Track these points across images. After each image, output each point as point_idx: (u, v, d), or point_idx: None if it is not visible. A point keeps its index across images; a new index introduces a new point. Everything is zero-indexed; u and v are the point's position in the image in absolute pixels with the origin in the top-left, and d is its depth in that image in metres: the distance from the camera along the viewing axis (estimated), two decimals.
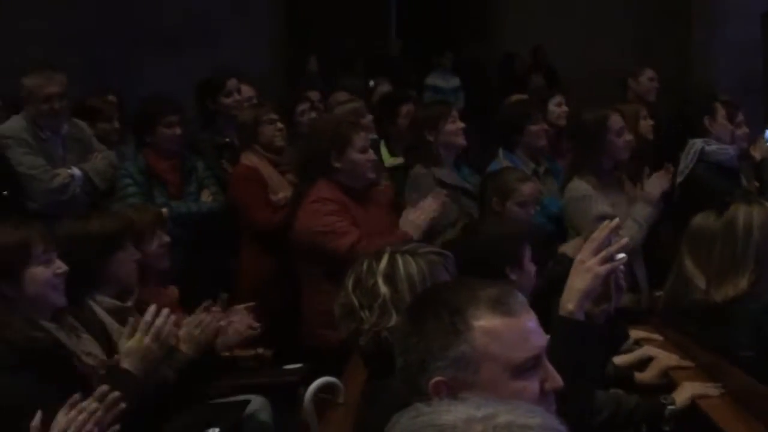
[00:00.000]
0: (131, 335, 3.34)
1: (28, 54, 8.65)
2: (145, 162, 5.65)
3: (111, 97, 6.97)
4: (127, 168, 5.68)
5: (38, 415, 2.73)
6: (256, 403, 4.29)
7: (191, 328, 3.80)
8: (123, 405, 2.85)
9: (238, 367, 4.45)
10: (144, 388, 3.28)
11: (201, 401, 4.10)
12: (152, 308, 3.38)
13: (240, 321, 4.22)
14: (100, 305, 3.79)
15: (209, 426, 3.86)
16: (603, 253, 2.60)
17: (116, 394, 2.84)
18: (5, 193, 5.01)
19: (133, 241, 4.00)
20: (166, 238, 4.40)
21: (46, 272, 3.36)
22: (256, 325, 4.27)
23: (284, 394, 4.39)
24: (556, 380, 1.97)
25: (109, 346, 3.57)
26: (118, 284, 3.89)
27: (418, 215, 4.92)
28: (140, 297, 3.97)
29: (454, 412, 1.36)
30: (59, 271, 3.39)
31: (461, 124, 5.68)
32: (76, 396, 2.79)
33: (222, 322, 4.06)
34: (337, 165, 4.87)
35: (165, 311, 3.37)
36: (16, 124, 5.70)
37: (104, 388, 2.85)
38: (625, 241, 2.72)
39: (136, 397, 3.14)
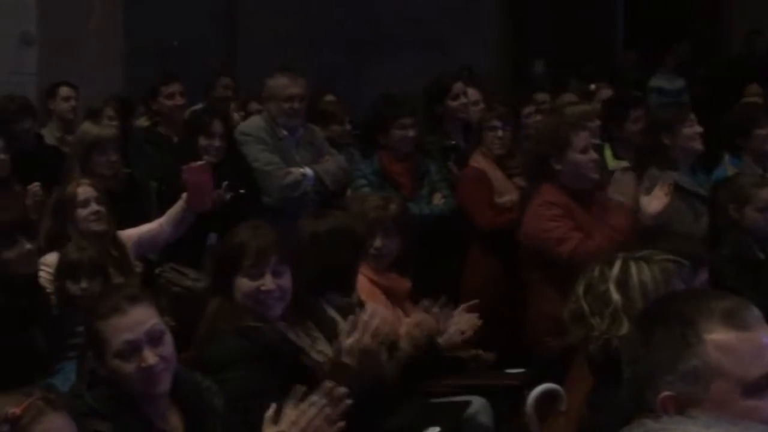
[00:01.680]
0: (350, 333, 3.37)
1: (266, 59, 8.97)
2: (380, 163, 5.79)
3: (338, 101, 7.18)
4: (362, 169, 5.83)
5: (272, 407, 2.80)
6: (477, 404, 4.29)
7: (411, 327, 3.85)
8: (349, 401, 2.90)
9: (461, 367, 4.47)
10: (364, 385, 3.32)
11: (423, 399, 4.15)
12: (370, 308, 3.41)
13: (464, 321, 4.24)
14: (331, 304, 3.88)
15: (430, 424, 3.89)
16: None
17: (343, 389, 2.88)
18: (242, 191, 5.24)
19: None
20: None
21: (250, 285, 3.42)
22: (479, 323, 4.26)
23: (504, 398, 4.38)
24: None
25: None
26: (353, 284, 4.00)
27: (651, 202, 4.79)
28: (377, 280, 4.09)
29: (684, 431, 1.33)
30: (263, 288, 3.43)
31: (699, 128, 5.51)
32: (301, 387, 2.85)
33: (443, 323, 4.09)
34: (558, 167, 4.83)
35: (382, 310, 3.39)
36: (255, 122, 6.01)
37: (330, 383, 2.90)
38: None
39: (357, 393, 3.18)
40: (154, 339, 2.87)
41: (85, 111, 6.55)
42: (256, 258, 3.42)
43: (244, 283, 3.42)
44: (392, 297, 4.42)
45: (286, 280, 3.50)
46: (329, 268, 3.81)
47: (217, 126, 5.62)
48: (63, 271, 4.30)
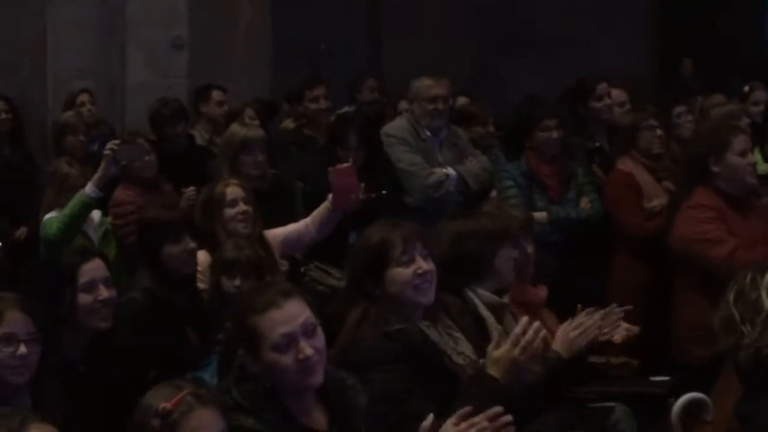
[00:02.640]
0: (499, 344, 3.28)
1: (412, 60, 9.04)
2: (528, 165, 5.76)
3: (481, 103, 7.16)
4: (509, 170, 5.82)
5: (430, 417, 2.77)
6: (620, 411, 4.23)
7: (569, 329, 3.78)
8: (512, 429, 2.83)
9: (606, 373, 4.41)
10: (509, 397, 3.28)
11: (565, 405, 4.11)
12: (524, 320, 3.28)
13: (619, 327, 4.16)
14: (480, 298, 3.89)
15: (573, 429, 3.86)
16: None
17: (507, 417, 2.81)
18: (384, 192, 5.29)
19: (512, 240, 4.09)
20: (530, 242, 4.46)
21: (405, 272, 3.45)
22: (635, 329, 4.18)
23: (648, 406, 4.31)
24: None
25: (484, 340, 3.58)
26: (498, 280, 3.98)
27: None
28: (512, 296, 4.05)
29: None
30: (419, 270, 3.46)
31: None
32: (468, 409, 2.81)
33: (599, 329, 3.99)
34: (716, 169, 4.73)
35: (536, 325, 3.30)
36: (399, 124, 6.09)
37: (498, 409, 2.82)
38: None
39: (501, 405, 3.14)
40: (308, 332, 2.93)
41: (229, 114, 6.70)
42: (404, 245, 3.45)
43: (398, 273, 3.44)
44: (529, 311, 4.37)
45: (433, 264, 3.51)
46: (459, 258, 3.81)
47: (353, 139, 5.65)
48: (219, 268, 4.42)
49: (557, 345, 3.72)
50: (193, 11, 7.59)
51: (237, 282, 4.33)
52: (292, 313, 2.92)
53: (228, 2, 7.83)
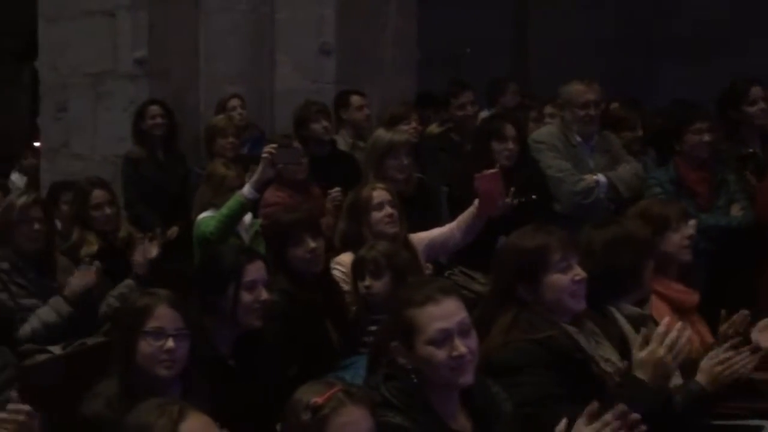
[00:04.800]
0: (644, 345, 3.25)
1: (557, 63, 8.97)
2: (676, 171, 5.66)
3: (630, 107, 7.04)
4: (657, 176, 5.73)
5: (564, 421, 2.75)
6: None
7: (714, 364, 3.49)
8: (643, 428, 2.78)
9: (756, 390, 4.27)
10: (657, 399, 3.22)
11: (709, 420, 3.98)
12: (666, 319, 3.28)
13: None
14: (621, 312, 3.80)
15: None
16: None
17: (635, 416, 2.76)
18: (534, 197, 5.26)
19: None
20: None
21: (563, 279, 3.42)
22: None
23: None
24: None
25: (627, 354, 3.50)
26: (641, 291, 3.91)
27: None
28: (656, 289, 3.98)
29: None
30: (577, 278, 3.44)
31: None
32: (595, 404, 2.78)
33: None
34: None
35: (679, 324, 3.27)
36: (549, 130, 6.06)
37: (623, 407, 2.77)
38: None
39: (648, 408, 3.08)
40: (463, 331, 2.95)
41: (388, 117, 6.75)
42: (563, 251, 3.43)
43: (556, 279, 3.42)
44: (679, 310, 4.29)
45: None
46: (608, 274, 3.72)
47: (510, 130, 5.65)
48: (354, 270, 4.47)
49: (702, 377, 3.48)
50: (341, 18, 7.68)
51: (366, 282, 4.35)
52: (450, 310, 2.95)
53: (375, 8, 7.90)
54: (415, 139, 6.40)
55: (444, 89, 7.49)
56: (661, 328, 3.22)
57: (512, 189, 5.00)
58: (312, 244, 4.43)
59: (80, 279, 4.89)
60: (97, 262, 5.05)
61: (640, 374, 3.19)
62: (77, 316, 4.83)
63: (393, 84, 7.87)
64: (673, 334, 3.19)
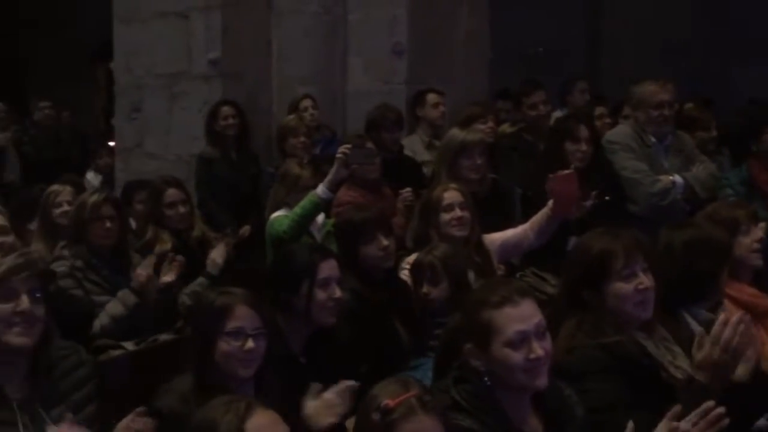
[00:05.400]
0: (701, 346, 3.12)
1: (629, 63, 8.88)
2: (749, 173, 5.56)
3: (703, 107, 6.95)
4: (729, 178, 5.64)
5: (630, 425, 2.72)
6: None
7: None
8: (725, 422, 2.73)
9: None
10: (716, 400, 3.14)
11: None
12: (722, 317, 3.11)
13: None
14: (696, 318, 3.73)
15: None
16: None
17: (720, 410, 2.72)
18: (607, 198, 5.20)
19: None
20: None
21: (625, 288, 3.34)
22: None
23: None
24: None
25: None
26: (716, 296, 3.83)
27: None
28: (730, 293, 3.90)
29: None
30: (641, 286, 3.34)
31: None
32: (678, 407, 2.74)
33: None
34: None
35: (734, 319, 3.04)
36: (623, 130, 5.98)
37: (710, 404, 2.74)
38: None
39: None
40: (540, 333, 2.93)
41: (464, 117, 6.73)
42: (626, 258, 3.34)
43: (619, 287, 3.34)
44: (753, 315, 4.19)
45: (652, 279, 3.39)
46: (686, 278, 3.66)
47: (583, 131, 5.59)
48: (412, 274, 4.47)
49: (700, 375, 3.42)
50: (413, 18, 7.67)
51: (425, 289, 4.34)
52: (528, 312, 2.92)
53: (447, 9, 7.87)
54: (490, 139, 6.35)
55: (516, 89, 7.45)
56: (716, 327, 3.08)
57: (594, 192, 4.93)
58: (384, 242, 4.44)
59: (145, 269, 4.94)
60: (180, 256, 5.09)
61: (699, 377, 3.08)
62: (150, 308, 4.87)
63: (465, 84, 7.84)
64: (726, 334, 3.04)
